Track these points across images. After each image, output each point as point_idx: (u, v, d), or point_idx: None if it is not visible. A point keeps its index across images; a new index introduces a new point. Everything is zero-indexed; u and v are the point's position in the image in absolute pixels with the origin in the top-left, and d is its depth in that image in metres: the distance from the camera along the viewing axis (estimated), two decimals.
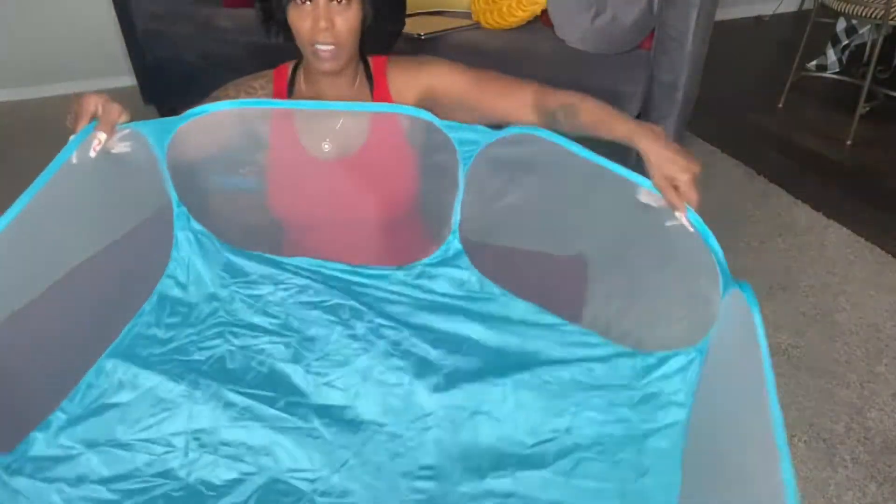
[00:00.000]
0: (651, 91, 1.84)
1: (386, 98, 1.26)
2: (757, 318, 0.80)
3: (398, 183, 1.27)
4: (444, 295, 1.26)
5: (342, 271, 1.25)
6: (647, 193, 1.00)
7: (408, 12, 2.22)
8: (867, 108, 2.53)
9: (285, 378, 1.09)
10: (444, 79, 1.27)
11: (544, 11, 2.03)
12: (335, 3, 1.09)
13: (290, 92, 1.25)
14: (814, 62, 2.95)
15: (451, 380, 1.08)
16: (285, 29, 1.16)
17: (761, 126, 2.59)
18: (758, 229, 1.96)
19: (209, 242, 1.18)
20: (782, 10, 3.81)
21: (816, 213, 2.02)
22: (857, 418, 1.41)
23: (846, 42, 2.89)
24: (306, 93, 1.25)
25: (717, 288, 0.96)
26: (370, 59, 1.25)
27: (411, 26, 2.10)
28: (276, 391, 1.06)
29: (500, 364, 1.11)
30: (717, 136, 2.46)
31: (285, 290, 1.19)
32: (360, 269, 1.25)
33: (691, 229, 0.96)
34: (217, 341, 1.11)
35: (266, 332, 1.13)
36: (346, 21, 1.10)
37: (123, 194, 1.03)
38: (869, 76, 2.40)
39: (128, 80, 2.94)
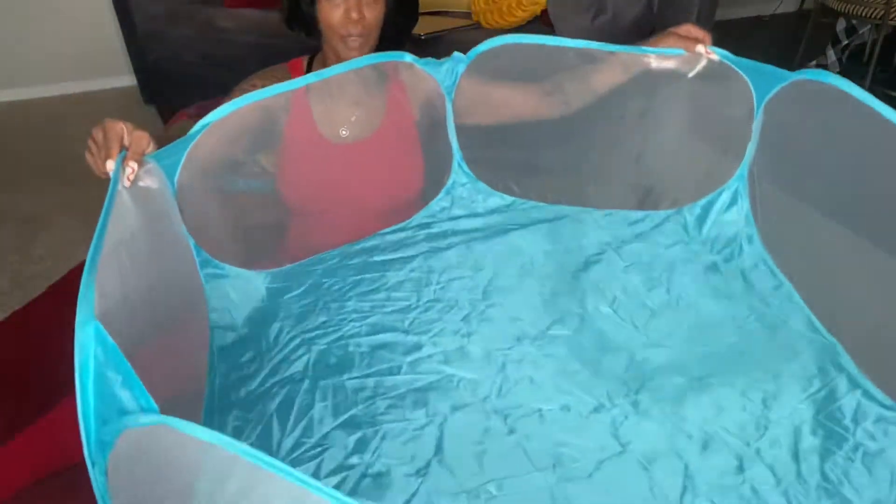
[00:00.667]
0: None
1: (400, 91, 1.31)
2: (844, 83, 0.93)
3: (408, 165, 1.32)
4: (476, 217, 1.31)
5: (363, 251, 1.25)
6: (656, 58, 1.14)
7: None
8: None
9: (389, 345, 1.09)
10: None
11: (544, 11, 2.03)
12: None
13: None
14: (814, 62, 2.95)
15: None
16: (308, 23, 1.23)
17: None
18: None
19: (241, 279, 1.15)
20: (782, 10, 3.81)
21: None
22: None
23: (846, 42, 2.89)
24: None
25: (748, 108, 1.11)
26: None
27: None
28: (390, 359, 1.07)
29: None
30: None
31: (331, 286, 1.19)
32: (370, 240, 1.27)
33: (716, 57, 1.11)
34: (301, 351, 1.07)
35: (340, 321, 1.12)
36: (374, 13, 1.19)
37: (153, 236, 0.92)
38: (869, 76, 2.40)
39: (128, 80, 2.94)
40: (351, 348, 1.08)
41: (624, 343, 1.09)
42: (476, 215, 1.33)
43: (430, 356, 1.08)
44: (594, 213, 1.30)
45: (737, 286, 1.16)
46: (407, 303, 1.17)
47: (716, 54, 1.11)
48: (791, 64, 2.68)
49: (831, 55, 2.93)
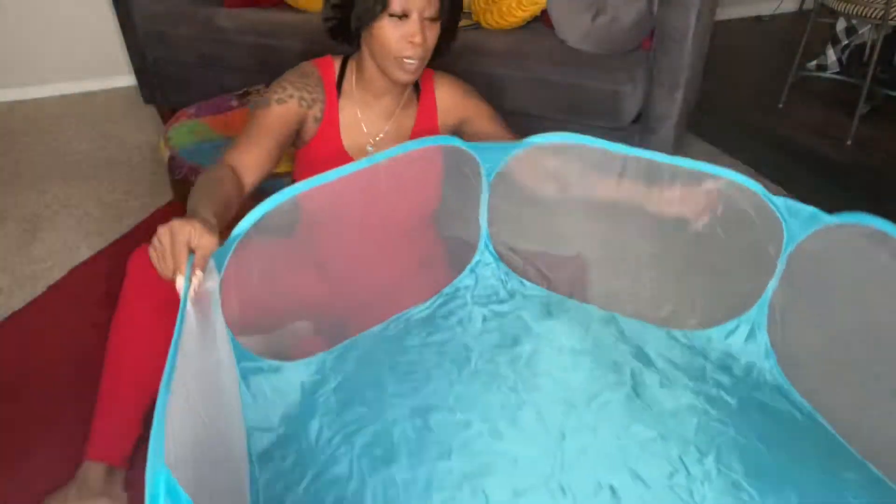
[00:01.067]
0: (651, 91, 1.84)
1: (431, 108, 1.32)
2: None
3: (427, 186, 1.31)
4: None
5: (393, 336, 1.21)
6: (660, 203, 1.19)
7: None
8: (867, 108, 2.53)
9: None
10: (482, 122, 1.35)
11: (544, 11, 2.03)
12: (428, 21, 1.14)
13: (338, 86, 1.27)
14: (814, 62, 2.95)
15: None
16: (353, 36, 1.20)
17: (761, 126, 2.59)
18: None
19: (277, 373, 1.09)
20: (782, 10, 3.81)
21: None
22: None
23: (846, 42, 2.89)
24: (356, 94, 1.28)
25: (777, 246, 1.11)
26: None
27: None
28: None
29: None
30: (717, 136, 2.46)
31: (367, 373, 1.14)
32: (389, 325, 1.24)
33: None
34: (343, 448, 1.01)
35: (380, 408, 1.05)
36: (433, 37, 1.17)
37: (208, 348, 0.87)
38: (869, 76, 2.40)
39: (128, 80, 2.94)
40: (396, 437, 1.01)
41: (686, 404, 1.04)
42: (501, 300, 1.31)
43: (480, 434, 1.01)
44: (619, 319, 1.29)
45: (756, 417, 1.11)
46: (448, 378, 1.11)
47: (755, 190, 1.11)
48: (791, 64, 2.68)
49: (831, 55, 2.92)
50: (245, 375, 1.04)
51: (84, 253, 1.87)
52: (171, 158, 1.82)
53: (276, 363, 1.10)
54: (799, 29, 2.75)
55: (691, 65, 1.80)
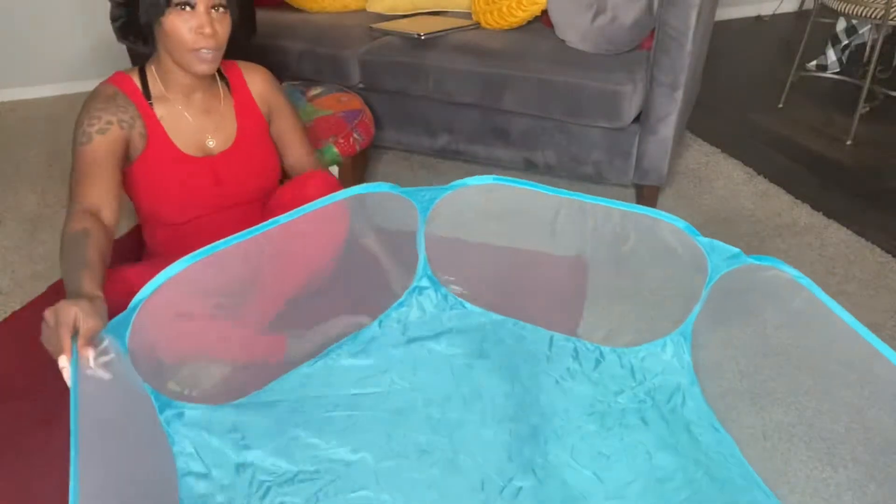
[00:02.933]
0: (651, 91, 1.84)
1: (247, 98, 1.39)
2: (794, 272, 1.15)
3: (272, 165, 1.42)
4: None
5: (321, 382, 1.27)
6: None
7: (408, 12, 2.25)
8: (867, 108, 2.53)
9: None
10: (286, 122, 1.45)
11: (544, 11, 2.03)
12: (214, 11, 1.18)
13: (147, 96, 1.28)
14: (814, 62, 2.95)
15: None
16: (145, 34, 1.22)
17: (761, 126, 2.59)
18: (758, 229, 1.96)
19: (201, 413, 1.14)
20: (782, 10, 3.81)
21: (816, 213, 2.02)
22: (857, 418, 1.41)
23: (846, 42, 2.89)
24: (171, 95, 1.30)
25: (702, 276, 1.27)
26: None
27: (411, 26, 2.10)
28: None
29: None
30: (717, 136, 2.46)
31: (297, 424, 1.18)
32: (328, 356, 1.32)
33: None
34: (273, 494, 1.07)
35: (311, 475, 1.11)
36: (225, 28, 1.21)
37: (119, 406, 0.95)
38: (869, 76, 2.40)
39: None
40: (319, 485, 1.07)
41: (587, 493, 1.14)
42: (438, 334, 1.40)
43: None
44: (552, 337, 1.43)
45: (683, 438, 1.24)
46: (373, 449, 1.15)
47: (680, 227, 1.28)
48: (791, 64, 2.68)
49: (831, 55, 2.93)
50: (171, 423, 1.10)
51: None
52: None
53: (203, 407, 1.14)
54: (799, 29, 2.75)
55: (691, 65, 1.80)
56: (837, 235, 1.92)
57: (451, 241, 1.42)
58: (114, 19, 1.24)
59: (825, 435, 1.32)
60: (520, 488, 1.12)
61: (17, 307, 1.66)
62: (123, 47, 2.59)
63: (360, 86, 2.15)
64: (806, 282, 1.15)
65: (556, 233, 1.36)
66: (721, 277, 1.26)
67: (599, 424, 1.25)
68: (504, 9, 2.06)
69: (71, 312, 0.86)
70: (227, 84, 1.38)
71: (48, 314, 0.87)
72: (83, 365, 0.84)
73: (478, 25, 2.15)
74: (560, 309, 1.48)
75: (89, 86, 2.98)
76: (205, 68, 1.21)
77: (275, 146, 1.44)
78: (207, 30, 1.16)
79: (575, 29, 1.93)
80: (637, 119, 1.90)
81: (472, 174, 1.40)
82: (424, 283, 1.46)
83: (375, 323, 1.39)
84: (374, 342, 1.35)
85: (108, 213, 1.14)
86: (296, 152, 1.47)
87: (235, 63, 1.41)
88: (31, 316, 1.63)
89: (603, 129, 1.91)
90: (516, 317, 1.46)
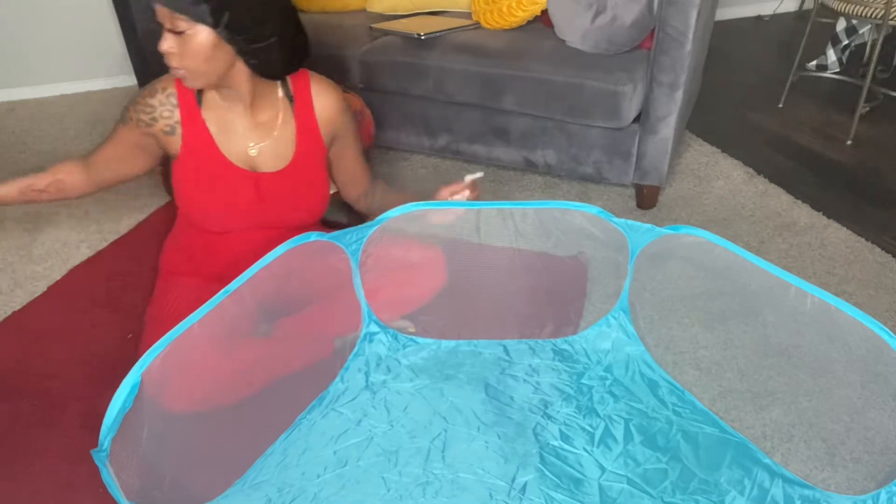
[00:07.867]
0: (651, 91, 1.84)
1: (311, 120, 1.33)
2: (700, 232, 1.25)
3: (318, 194, 1.39)
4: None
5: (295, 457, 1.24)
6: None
7: (408, 12, 2.24)
8: (867, 108, 2.53)
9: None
10: (348, 151, 1.43)
11: (544, 11, 2.03)
12: (172, 35, 1.14)
13: (199, 100, 1.28)
14: (814, 62, 2.95)
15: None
16: None
17: (761, 126, 2.59)
18: (758, 229, 1.96)
19: None
20: (782, 10, 3.81)
21: (816, 213, 2.02)
22: (857, 418, 1.41)
23: (846, 42, 2.89)
24: (224, 101, 1.28)
25: (625, 254, 1.38)
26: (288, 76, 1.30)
27: (411, 26, 2.10)
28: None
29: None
30: (717, 136, 2.46)
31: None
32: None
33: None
34: None
35: None
36: (191, 51, 1.14)
37: None
38: (869, 76, 2.40)
39: (128, 80, 2.95)
40: None
41: (586, 468, 1.20)
42: (400, 373, 1.41)
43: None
44: (505, 344, 1.48)
45: (651, 402, 1.34)
46: (377, 499, 1.14)
47: (594, 213, 1.36)
48: (791, 64, 2.68)
49: (831, 55, 2.93)
50: None
51: (84, 253, 1.87)
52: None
53: None
54: (799, 29, 2.75)
55: (691, 65, 1.80)
56: (837, 235, 1.92)
57: (387, 279, 1.43)
58: None
59: (825, 435, 1.32)
60: (525, 482, 1.15)
61: (17, 307, 1.66)
62: (124, 48, 2.60)
63: (360, 86, 2.15)
64: (721, 241, 1.23)
65: (483, 243, 1.41)
66: (642, 250, 1.36)
67: (574, 407, 1.33)
68: (504, 9, 2.06)
69: None
70: (291, 100, 1.31)
71: None
72: None
73: (478, 25, 2.15)
74: (513, 312, 1.53)
75: (90, 86, 3.01)
76: (188, 84, 1.20)
77: (328, 171, 1.41)
78: (162, 46, 1.15)
79: (575, 29, 1.93)
80: (637, 119, 1.90)
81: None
82: (373, 328, 1.46)
83: (337, 380, 1.39)
84: (342, 397, 1.35)
85: (84, 178, 1.33)
86: (349, 177, 1.48)
87: (307, 74, 1.33)
88: (31, 316, 1.63)
89: (603, 129, 1.91)
90: (466, 337, 1.49)
